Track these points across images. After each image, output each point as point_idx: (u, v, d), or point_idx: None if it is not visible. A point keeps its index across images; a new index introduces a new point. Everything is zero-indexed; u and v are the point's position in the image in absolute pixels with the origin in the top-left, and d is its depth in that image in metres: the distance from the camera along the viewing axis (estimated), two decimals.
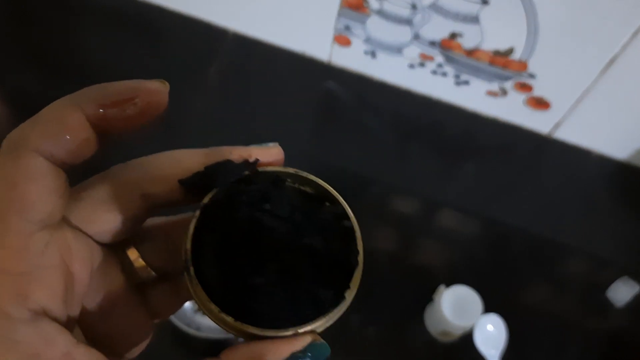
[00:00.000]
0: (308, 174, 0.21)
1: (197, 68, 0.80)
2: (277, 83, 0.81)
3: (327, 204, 0.21)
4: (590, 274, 0.68)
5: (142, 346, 0.22)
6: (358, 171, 0.72)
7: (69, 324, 0.18)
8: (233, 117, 0.75)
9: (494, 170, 0.76)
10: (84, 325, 0.20)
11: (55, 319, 0.17)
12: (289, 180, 0.21)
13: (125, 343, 0.22)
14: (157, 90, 0.19)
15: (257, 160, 0.20)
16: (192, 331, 0.55)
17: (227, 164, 0.20)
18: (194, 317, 0.58)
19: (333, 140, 0.76)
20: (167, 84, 0.19)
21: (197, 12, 0.82)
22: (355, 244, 0.20)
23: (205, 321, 0.58)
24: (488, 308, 0.59)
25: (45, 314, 0.17)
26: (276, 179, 0.21)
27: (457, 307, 0.57)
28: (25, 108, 0.78)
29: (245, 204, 0.19)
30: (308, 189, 0.21)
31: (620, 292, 0.65)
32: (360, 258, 0.19)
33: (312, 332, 0.18)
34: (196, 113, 0.73)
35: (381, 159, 0.74)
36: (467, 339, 0.60)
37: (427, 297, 0.61)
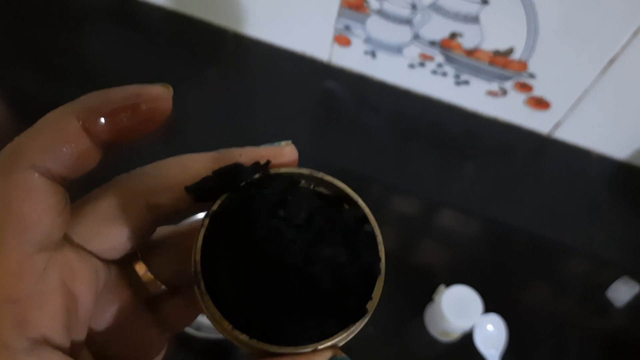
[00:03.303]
0: (324, 175, 0.19)
1: (197, 68, 0.80)
2: (277, 83, 0.81)
3: (346, 206, 0.19)
4: (590, 274, 0.68)
5: None
6: (358, 171, 0.72)
7: (73, 350, 0.17)
8: (233, 117, 0.75)
9: (494, 170, 0.76)
10: (94, 346, 0.19)
11: (57, 347, 0.16)
12: (303, 181, 0.20)
13: (138, 359, 0.21)
14: (160, 95, 0.17)
15: (268, 162, 0.19)
16: (191, 331, 0.55)
17: (236, 167, 0.18)
18: None
19: (333, 140, 0.76)
20: (171, 89, 0.18)
21: (197, 12, 0.82)
22: (377, 250, 0.18)
23: (206, 321, 0.58)
24: (488, 308, 0.59)
25: (46, 342, 0.16)
26: (290, 181, 0.19)
27: (457, 307, 0.57)
28: (25, 108, 0.78)
29: (257, 211, 0.18)
30: (324, 190, 0.20)
31: (620, 292, 0.65)
32: (382, 265, 0.18)
33: (332, 346, 0.17)
34: (196, 113, 0.73)
35: (381, 159, 0.74)
36: (467, 339, 0.60)
37: (427, 297, 0.61)
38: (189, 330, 0.55)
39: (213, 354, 0.59)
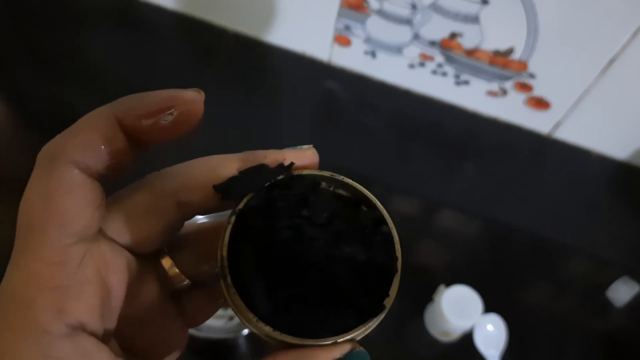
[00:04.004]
0: (344, 177, 0.20)
1: (197, 68, 0.80)
2: (277, 83, 0.81)
3: (364, 207, 0.20)
4: (590, 274, 0.68)
5: (177, 353, 0.22)
6: (358, 171, 0.72)
7: (106, 338, 0.18)
8: (233, 117, 0.75)
9: (494, 170, 0.76)
10: (120, 336, 0.19)
11: (92, 334, 0.17)
12: (324, 183, 0.21)
13: (160, 351, 0.21)
14: (193, 99, 0.18)
15: (291, 163, 0.20)
16: (192, 331, 0.55)
17: (261, 168, 0.19)
18: None
19: (333, 140, 0.76)
20: (203, 93, 0.19)
21: (197, 12, 0.82)
22: (394, 250, 0.19)
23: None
24: (488, 308, 0.59)
25: (82, 329, 0.17)
26: (312, 183, 0.20)
27: (457, 307, 0.57)
28: (26, 108, 0.77)
29: (281, 210, 0.19)
30: (344, 192, 0.21)
31: (620, 292, 0.65)
32: (399, 264, 0.19)
33: (351, 340, 0.18)
34: None
35: (381, 159, 0.74)
36: (467, 339, 0.60)
37: (427, 297, 0.61)
38: (189, 330, 0.55)
39: (213, 354, 0.59)
